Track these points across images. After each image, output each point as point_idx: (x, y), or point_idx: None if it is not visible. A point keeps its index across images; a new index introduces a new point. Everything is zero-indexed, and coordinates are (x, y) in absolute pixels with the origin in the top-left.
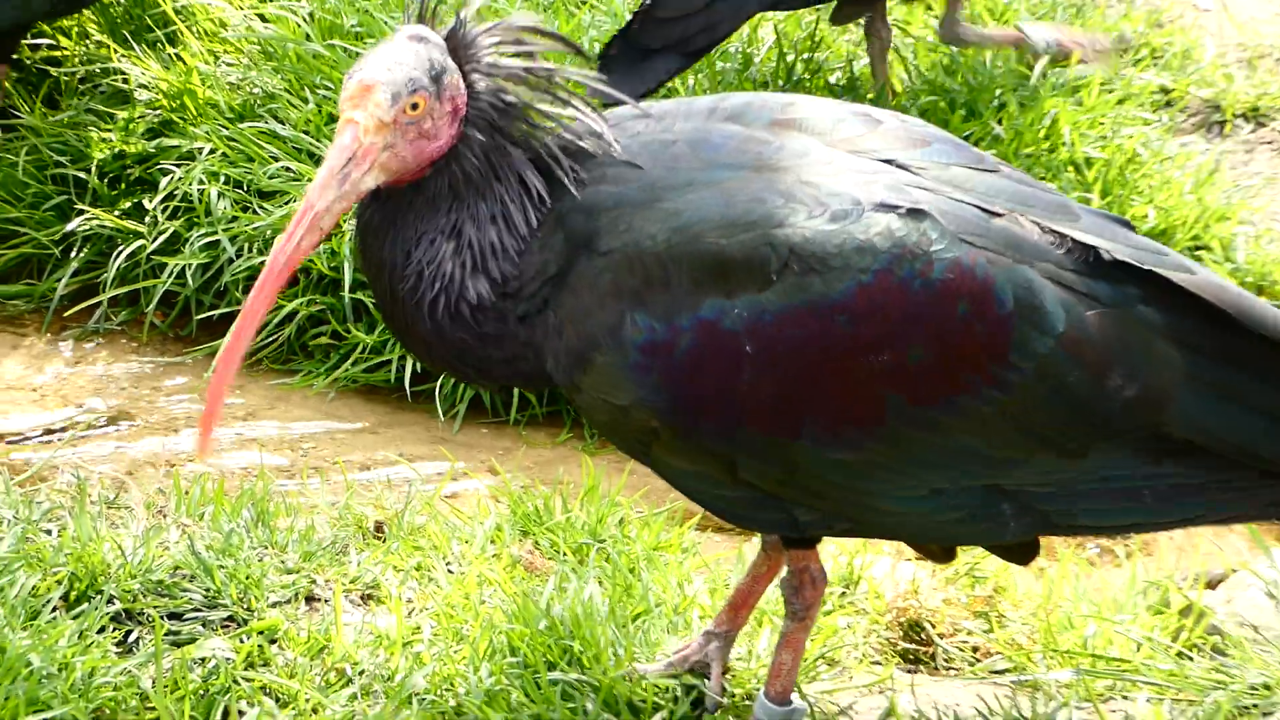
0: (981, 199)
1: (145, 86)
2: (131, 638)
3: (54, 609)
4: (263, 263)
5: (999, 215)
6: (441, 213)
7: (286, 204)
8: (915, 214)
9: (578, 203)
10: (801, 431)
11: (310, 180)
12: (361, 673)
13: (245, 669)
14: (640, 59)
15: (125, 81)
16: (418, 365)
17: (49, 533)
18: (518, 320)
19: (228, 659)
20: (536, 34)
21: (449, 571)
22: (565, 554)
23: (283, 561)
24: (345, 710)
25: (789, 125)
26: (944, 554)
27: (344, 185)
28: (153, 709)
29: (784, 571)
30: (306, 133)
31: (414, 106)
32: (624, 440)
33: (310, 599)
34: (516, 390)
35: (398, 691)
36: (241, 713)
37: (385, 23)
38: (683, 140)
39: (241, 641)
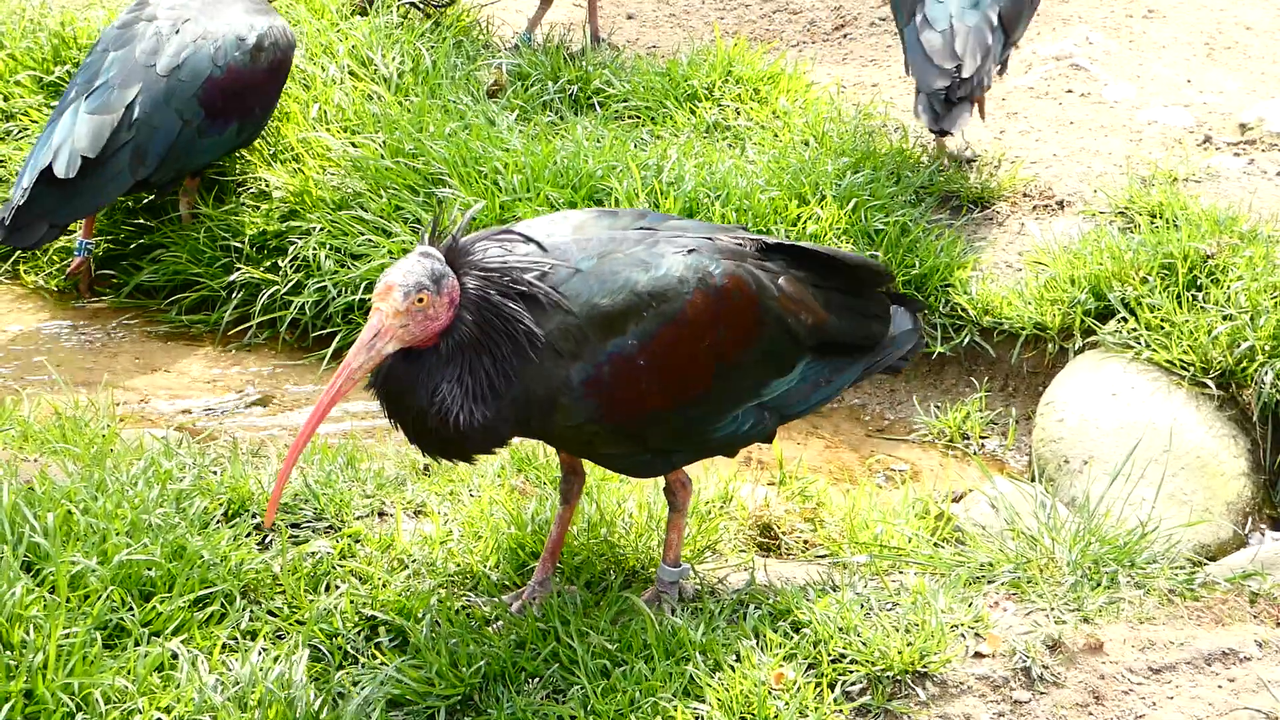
0: (692, 235)
1: (278, 188)
2: (267, 540)
3: (217, 522)
4: (357, 300)
5: (713, 240)
6: (453, 365)
7: (369, 263)
8: (692, 252)
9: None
10: (675, 404)
11: (386, 251)
12: (414, 560)
13: (339, 560)
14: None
15: (266, 185)
16: None
17: (215, 473)
18: (503, 420)
19: (328, 553)
20: (509, 234)
21: (471, 495)
22: (545, 484)
23: (364, 490)
24: (403, 585)
25: (628, 219)
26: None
27: (371, 351)
28: (281, 584)
29: (664, 482)
30: (381, 216)
31: (420, 300)
32: (574, 444)
33: (381, 514)
34: None
35: (439, 571)
36: (337, 585)
37: (431, 148)
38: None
39: (337, 542)
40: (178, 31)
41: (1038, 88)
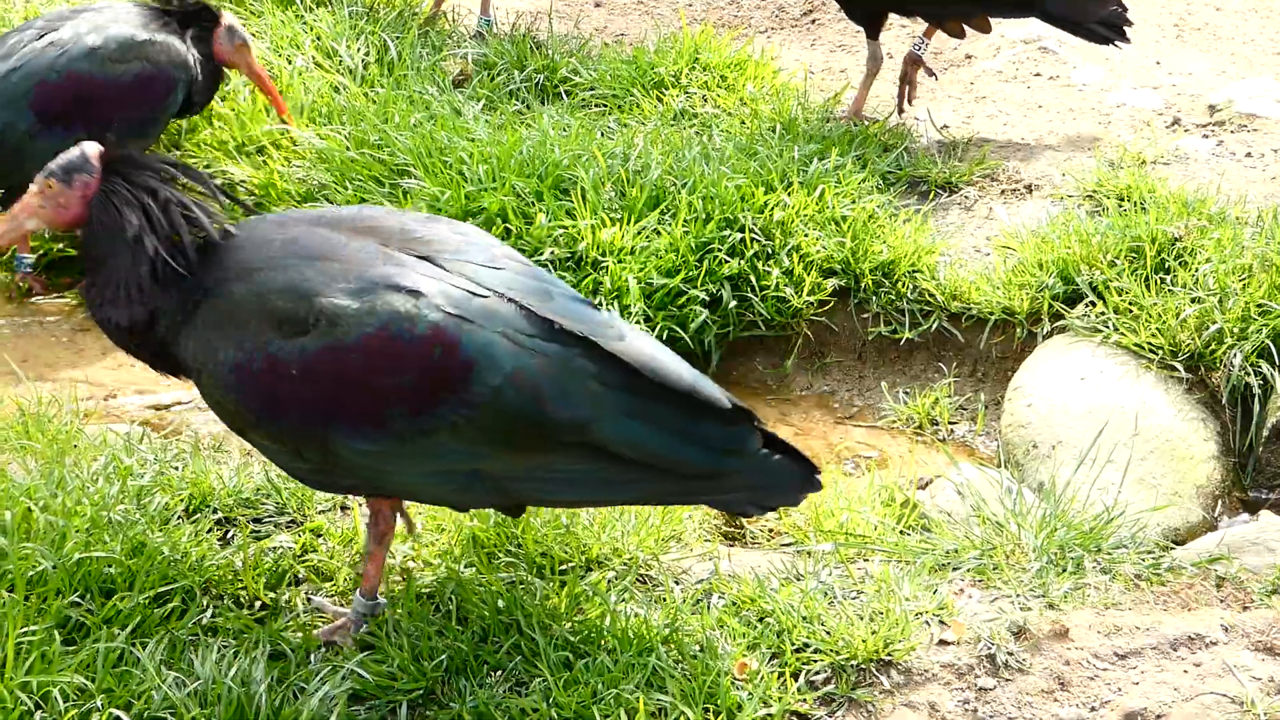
0: (476, 286)
1: (243, 181)
2: (229, 535)
3: (178, 518)
4: None
5: (484, 297)
6: (89, 260)
7: None
8: (414, 293)
9: (201, 273)
10: (330, 428)
11: None
12: None
13: (301, 555)
14: None
15: (231, 179)
16: None
17: (176, 468)
18: (159, 340)
19: (289, 548)
20: (174, 167)
21: None
22: None
23: None
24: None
25: (366, 231)
26: (511, 510)
27: (14, 223)
28: (242, 580)
29: (367, 510)
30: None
31: (49, 186)
32: (231, 422)
33: (344, 508)
34: None
35: (400, 565)
36: (299, 581)
37: (396, 139)
38: (280, 240)
39: (299, 536)
40: (40, 37)
41: (1006, 71)
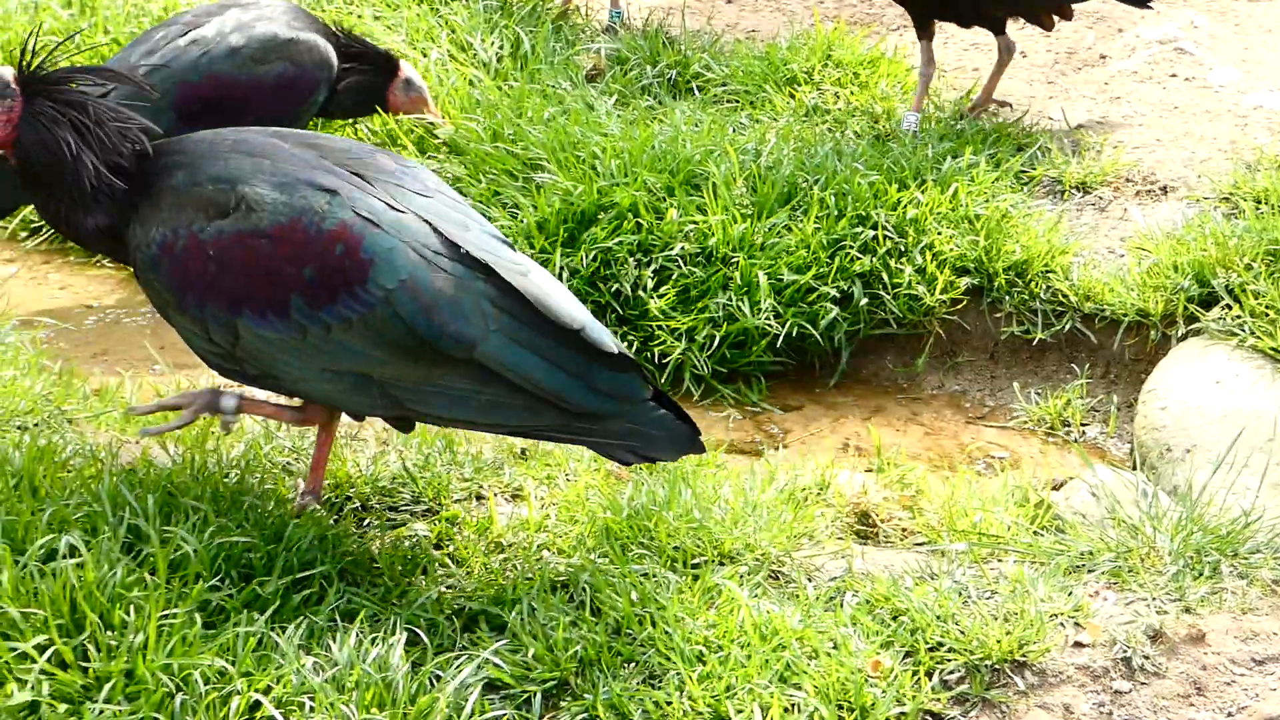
0: (396, 203)
1: None
2: (365, 522)
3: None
4: None
5: (401, 212)
6: (39, 180)
7: None
8: (330, 192)
9: (149, 165)
10: (241, 311)
11: None
12: (510, 545)
13: (436, 543)
14: None
15: None
16: None
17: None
18: (106, 232)
19: (425, 536)
20: (90, 73)
21: (566, 479)
22: (640, 469)
23: (461, 474)
24: (498, 568)
25: (311, 145)
26: (401, 423)
27: None
28: (379, 566)
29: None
30: (480, 201)
31: None
32: (158, 302)
33: (479, 497)
34: None
35: (534, 555)
36: (434, 569)
37: (530, 133)
38: (231, 139)
39: (434, 525)
40: (185, 34)
41: (1141, 72)
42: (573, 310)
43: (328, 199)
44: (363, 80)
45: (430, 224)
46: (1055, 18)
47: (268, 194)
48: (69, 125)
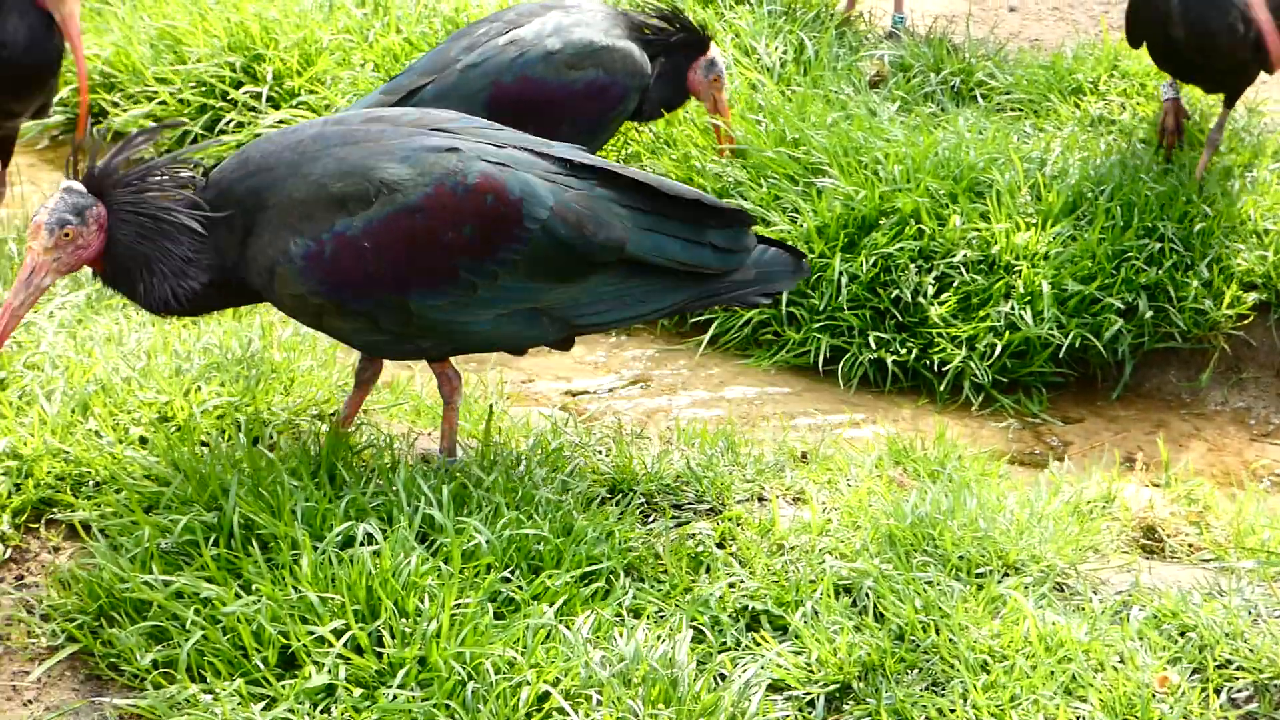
0: (492, 144)
1: (665, 175)
2: (650, 520)
3: (602, 500)
4: None
5: (504, 148)
6: (134, 271)
7: None
8: (452, 150)
9: (238, 195)
10: (409, 290)
11: None
12: (793, 547)
13: (719, 543)
14: None
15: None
16: (827, 351)
17: (600, 452)
18: (215, 285)
19: (709, 535)
20: (134, 148)
21: (848, 485)
22: (923, 476)
23: (743, 475)
24: (780, 570)
25: (375, 119)
26: (562, 343)
27: (29, 289)
28: (663, 563)
29: (436, 377)
30: (760, 205)
31: (66, 234)
32: (304, 315)
33: (760, 499)
34: (890, 367)
35: (817, 559)
36: (717, 568)
37: (813, 137)
38: (307, 137)
39: (718, 525)
40: (505, 33)
41: None
42: (679, 185)
43: (456, 157)
44: (668, 64)
45: (530, 149)
46: None
47: (401, 170)
48: (147, 203)
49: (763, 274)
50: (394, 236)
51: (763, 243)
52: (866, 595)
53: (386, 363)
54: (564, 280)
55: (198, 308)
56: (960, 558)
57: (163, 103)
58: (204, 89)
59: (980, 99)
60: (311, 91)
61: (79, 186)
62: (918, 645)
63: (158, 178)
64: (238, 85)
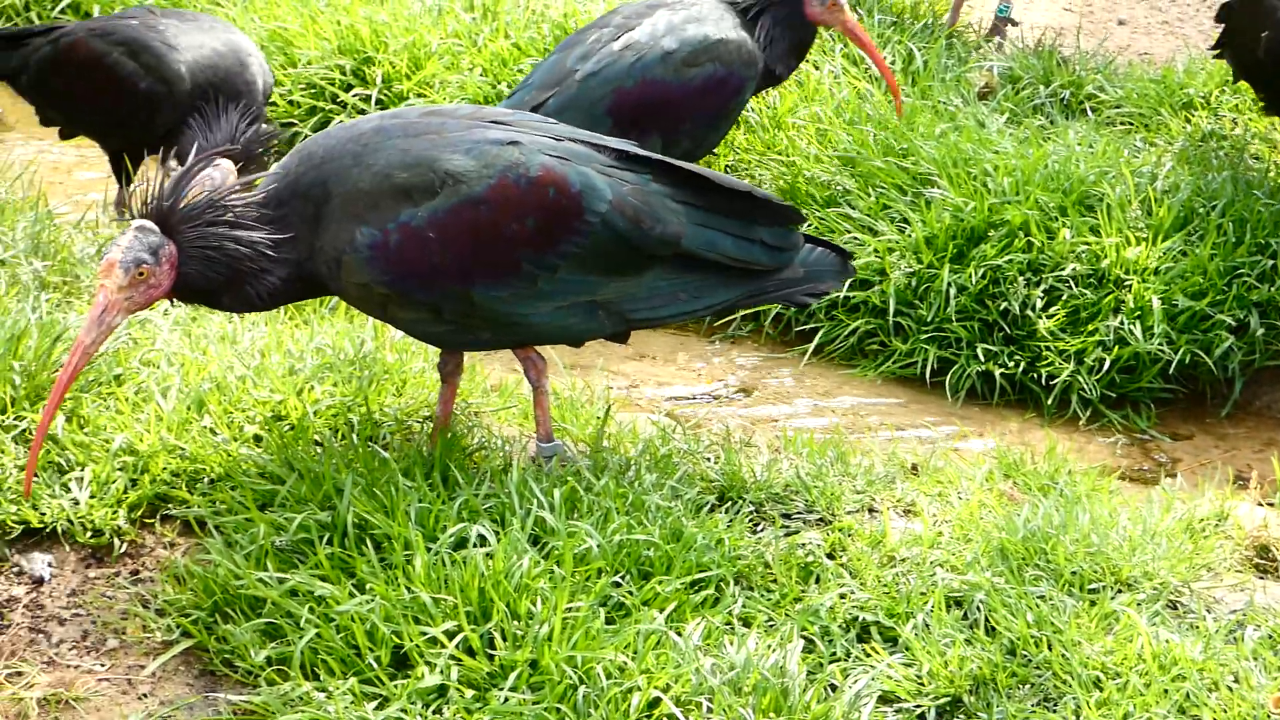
0: (549, 137)
1: (766, 184)
2: (759, 528)
3: (710, 507)
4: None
5: (561, 141)
6: (208, 295)
7: (857, 260)
8: (515, 143)
9: (304, 187)
10: (472, 280)
11: (872, 250)
12: (903, 559)
13: (829, 553)
14: None
15: (756, 182)
16: (934, 362)
17: (709, 459)
18: (292, 279)
19: (818, 545)
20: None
21: (959, 498)
22: (1034, 490)
23: (854, 486)
24: (891, 581)
25: (433, 112)
26: (619, 336)
27: (101, 326)
28: (772, 572)
29: (520, 362)
30: (868, 214)
31: (141, 273)
32: (369, 305)
33: (871, 510)
34: (997, 380)
35: (928, 571)
36: (827, 578)
37: (921, 147)
38: (368, 130)
39: (828, 535)
40: (617, 38)
41: None
42: (730, 178)
43: (518, 150)
44: (780, 12)
45: (586, 142)
46: None
47: (466, 162)
48: (216, 234)
49: (811, 273)
50: (458, 228)
51: (810, 242)
52: (978, 608)
53: (496, 366)
54: (621, 274)
55: (276, 301)
56: (1073, 573)
57: (273, 104)
58: (314, 91)
59: (1090, 112)
60: (420, 95)
61: (151, 225)
62: (1029, 660)
63: (220, 212)
64: (347, 88)
